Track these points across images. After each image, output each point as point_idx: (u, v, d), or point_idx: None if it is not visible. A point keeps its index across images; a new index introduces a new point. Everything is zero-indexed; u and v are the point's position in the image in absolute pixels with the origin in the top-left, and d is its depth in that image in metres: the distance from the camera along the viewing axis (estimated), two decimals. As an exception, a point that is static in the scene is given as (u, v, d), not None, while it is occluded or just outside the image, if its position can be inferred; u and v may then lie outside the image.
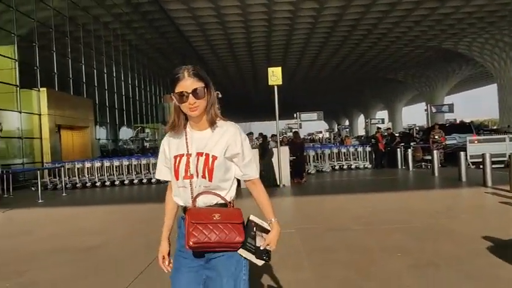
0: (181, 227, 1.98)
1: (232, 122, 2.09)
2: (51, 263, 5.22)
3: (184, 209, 1.95)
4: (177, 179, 1.94)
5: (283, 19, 29.94)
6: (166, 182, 2.13)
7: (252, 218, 1.97)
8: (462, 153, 12.04)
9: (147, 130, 34.93)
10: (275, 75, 12.52)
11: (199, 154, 1.91)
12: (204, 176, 1.89)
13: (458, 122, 33.89)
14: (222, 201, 1.94)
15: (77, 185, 15.64)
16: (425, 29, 32.90)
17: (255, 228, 1.93)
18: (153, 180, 15.52)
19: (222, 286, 1.87)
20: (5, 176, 13.77)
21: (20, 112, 17.90)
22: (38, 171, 13.84)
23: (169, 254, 2.09)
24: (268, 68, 12.82)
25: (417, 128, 37.51)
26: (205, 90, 1.93)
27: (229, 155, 1.95)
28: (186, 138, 1.95)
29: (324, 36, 34.61)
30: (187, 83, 1.88)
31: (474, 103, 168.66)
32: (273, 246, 1.95)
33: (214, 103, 2.01)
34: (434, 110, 29.13)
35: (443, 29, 32.78)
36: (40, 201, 11.97)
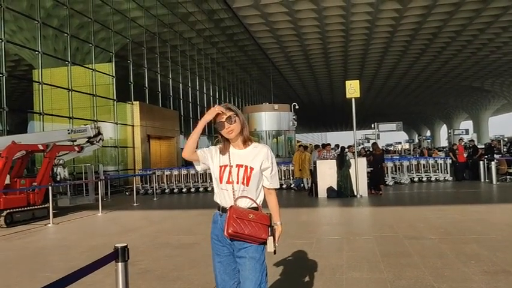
0: (217, 222, 2.59)
1: (264, 144, 2.89)
2: (157, 256, 6.09)
3: (223, 209, 2.56)
4: (221, 182, 2.57)
5: (361, 29, 29.95)
6: None
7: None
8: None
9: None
10: (353, 88, 12.88)
11: (239, 166, 2.55)
12: (243, 182, 2.54)
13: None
14: (255, 205, 2.56)
15: (166, 191, 16.99)
16: (513, 35, 31.24)
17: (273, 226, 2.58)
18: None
19: (250, 267, 2.46)
20: (103, 181, 15.37)
21: (116, 123, 19.78)
22: (134, 178, 15.28)
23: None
24: (346, 82, 13.20)
25: (505, 139, 35.38)
26: (237, 118, 2.56)
27: (262, 168, 2.60)
28: (229, 154, 2.59)
29: (403, 45, 34.02)
30: (223, 114, 2.54)
31: None
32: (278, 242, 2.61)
33: (245, 126, 2.62)
34: (524, 120, 27.32)
35: (534, 34, 30.94)
36: (135, 204, 13.29)
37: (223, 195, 2.59)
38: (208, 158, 2.62)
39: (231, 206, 2.49)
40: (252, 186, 2.56)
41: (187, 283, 4.72)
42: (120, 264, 2.18)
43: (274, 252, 2.52)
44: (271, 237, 2.50)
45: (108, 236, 8.10)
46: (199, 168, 2.67)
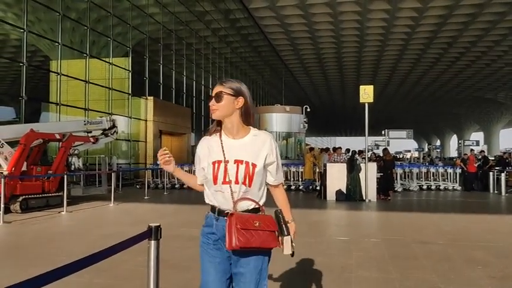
0: (211, 225, 2.17)
1: (265, 130, 2.29)
2: (170, 247, 6.20)
3: (219, 211, 2.13)
4: (215, 183, 2.10)
5: (376, 35, 29.99)
6: None
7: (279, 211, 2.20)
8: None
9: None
10: (367, 93, 12.97)
11: (238, 162, 2.07)
12: (244, 183, 2.07)
13: None
14: (257, 206, 2.12)
15: (176, 186, 17.20)
16: (529, 48, 31.08)
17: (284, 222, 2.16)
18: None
19: (250, 280, 2.08)
20: (116, 173, 15.61)
21: (130, 117, 20.03)
22: (146, 171, 15.51)
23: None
24: (361, 86, 13.31)
25: (516, 152, 35.10)
26: (233, 99, 2.09)
27: (266, 163, 2.14)
28: (222, 146, 2.11)
29: (417, 53, 34.00)
30: (215, 89, 2.12)
31: None
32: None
33: (246, 113, 2.14)
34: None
35: (550, 48, 30.75)
36: (146, 197, 13.49)
37: (217, 196, 2.14)
38: (202, 165, 2.22)
39: (232, 214, 2.04)
40: (254, 186, 2.11)
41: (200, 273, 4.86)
42: (153, 242, 2.34)
43: (292, 254, 2.13)
44: (288, 236, 2.09)
45: (121, 226, 8.28)
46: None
